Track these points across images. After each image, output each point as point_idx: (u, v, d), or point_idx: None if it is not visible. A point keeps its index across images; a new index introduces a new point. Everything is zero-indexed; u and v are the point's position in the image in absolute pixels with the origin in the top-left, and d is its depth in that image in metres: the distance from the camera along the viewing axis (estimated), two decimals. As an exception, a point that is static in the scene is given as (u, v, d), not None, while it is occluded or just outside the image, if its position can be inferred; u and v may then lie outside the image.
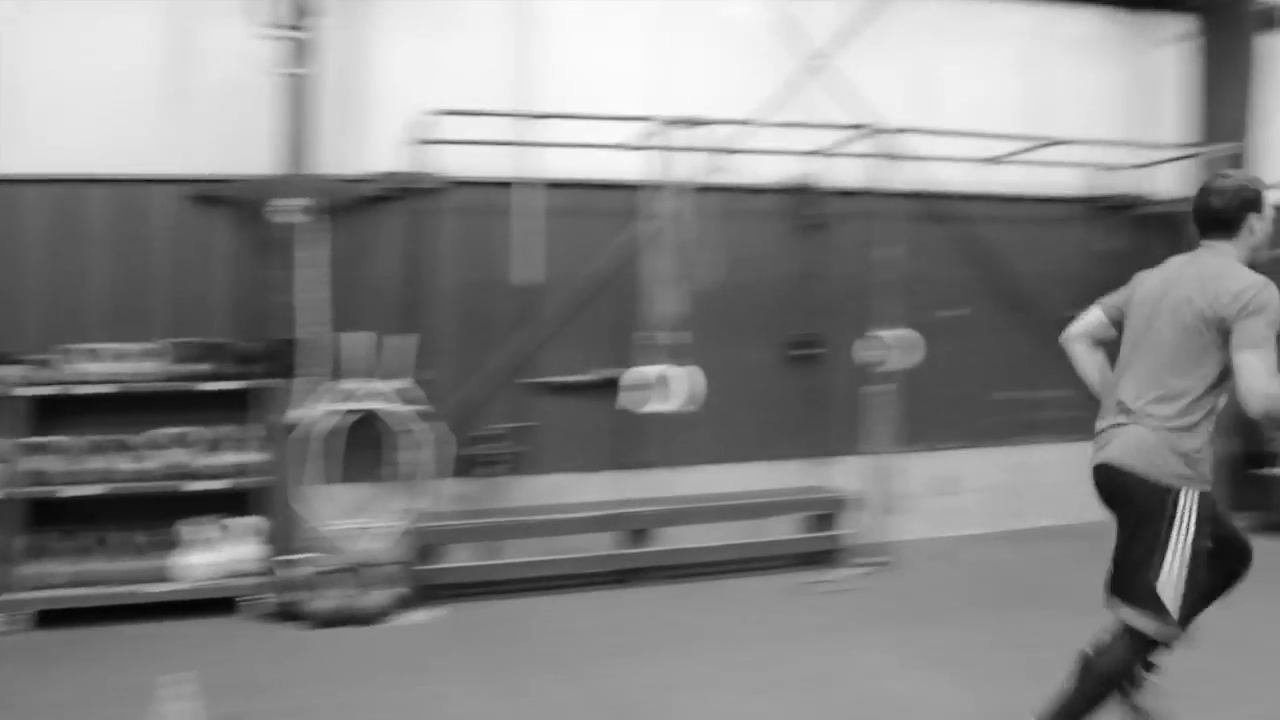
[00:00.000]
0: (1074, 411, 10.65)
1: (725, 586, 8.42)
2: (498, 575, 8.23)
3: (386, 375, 8.34)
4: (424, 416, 8.30)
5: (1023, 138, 10.13)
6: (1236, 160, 10.57)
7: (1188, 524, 4.39)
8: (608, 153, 8.87)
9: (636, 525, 8.56)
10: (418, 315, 8.67)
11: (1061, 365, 10.66)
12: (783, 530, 9.11)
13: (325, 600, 7.40)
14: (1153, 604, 4.38)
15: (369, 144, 8.62)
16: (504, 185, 8.79)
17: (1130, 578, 4.49)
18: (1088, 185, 10.85)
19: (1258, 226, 4.61)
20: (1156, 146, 10.88)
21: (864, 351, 9.10)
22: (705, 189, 8.96)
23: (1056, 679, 6.05)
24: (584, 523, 8.51)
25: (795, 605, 7.88)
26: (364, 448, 8.33)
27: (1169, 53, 11.35)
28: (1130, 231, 11.04)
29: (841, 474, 9.65)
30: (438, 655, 6.80)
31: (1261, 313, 4.24)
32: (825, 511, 9.09)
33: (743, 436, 9.62)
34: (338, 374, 8.27)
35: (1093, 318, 5.13)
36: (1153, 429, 4.52)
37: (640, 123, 8.60)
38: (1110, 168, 10.85)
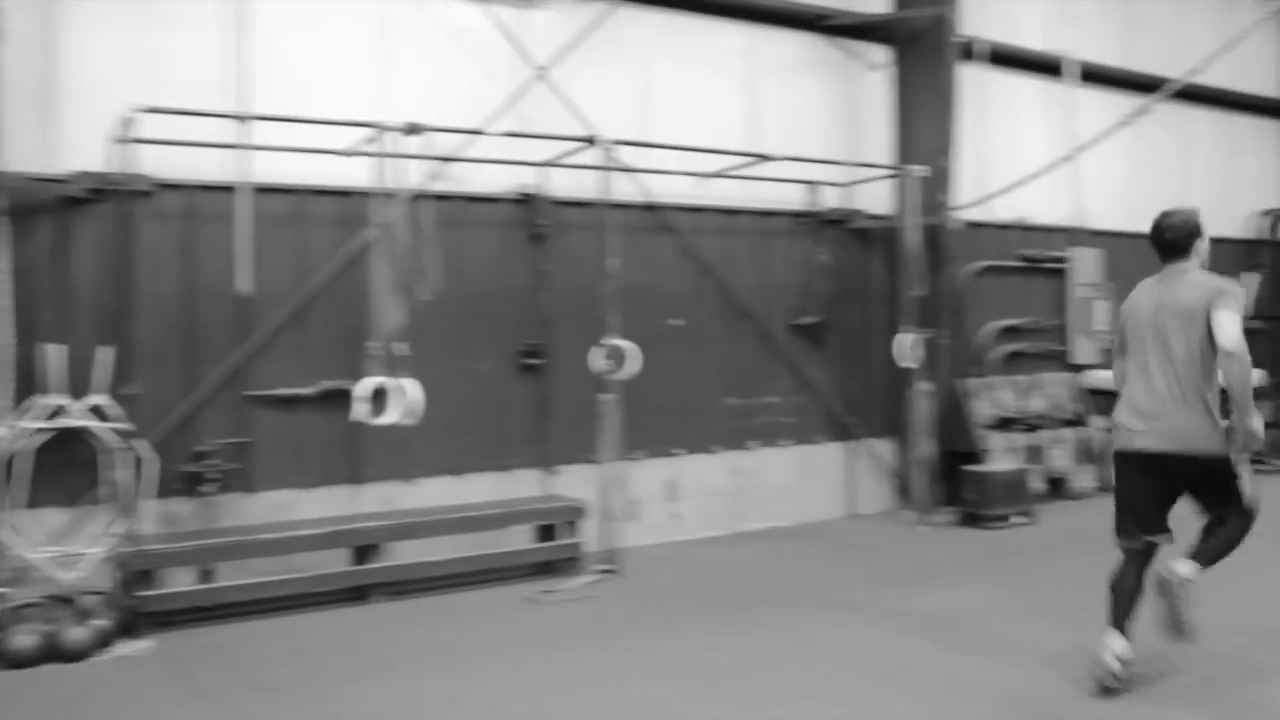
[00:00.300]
0: (789, 418, 11.09)
1: (460, 600, 8.23)
2: (217, 599, 7.73)
3: (87, 390, 7.73)
4: (127, 434, 7.72)
5: (740, 154, 10.46)
6: (933, 182, 11.28)
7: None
8: (330, 158, 8.55)
9: (364, 541, 8.24)
10: (124, 326, 8.05)
11: (779, 373, 11.21)
12: (517, 541, 9.00)
13: (23, 637, 6.77)
14: (1249, 506, 5.86)
15: (67, 141, 7.91)
16: (220, 189, 8.28)
17: (1227, 507, 5.87)
18: (803, 201, 11.29)
19: (1202, 247, 6.05)
20: (866, 166, 11.46)
21: (593, 360, 9.14)
22: (429, 197, 8.78)
23: (794, 675, 6.26)
24: (307, 540, 8.10)
25: (531, 616, 7.78)
26: (65, 469, 7.70)
27: (877, 79, 11.99)
28: (843, 245, 11.57)
29: (573, 482, 9.66)
30: (151, 689, 6.31)
31: (1235, 297, 5.69)
32: (557, 521, 9.05)
33: (474, 447, 9.47)
34: (31, 390, 7.61)
35: (1118, 368, 6.24)
36: (1199, 413, 5.72)
37: (363, 128, 8.33)
38: (825, 184, 11.34)
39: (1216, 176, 15.86)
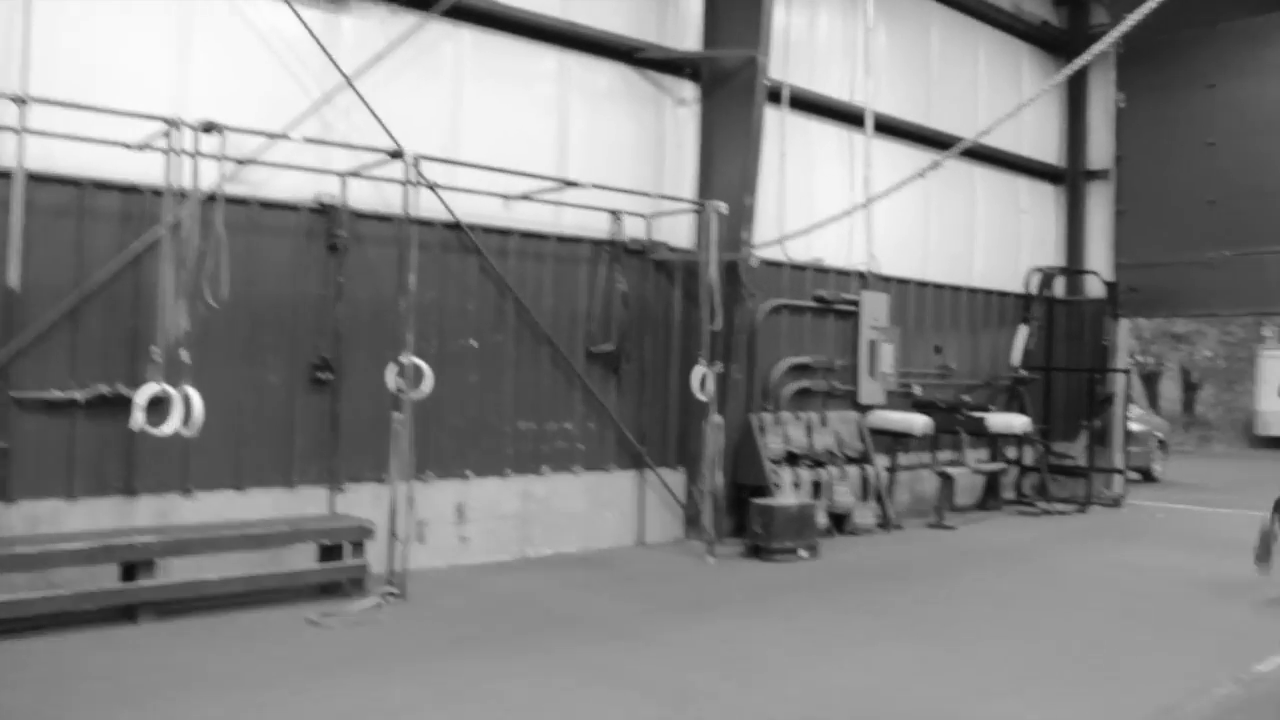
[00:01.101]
0: (582, 444, 11.08)
1: (237, 621, 7.85)
2: (-36, 617, 7.16)
3: None
4: None
5: (547, 178, 10.43)
6: (735, 219, 11.49)
7: None
8: (117, 151, 8.08)
9: (133, 556, 7.75)
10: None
11: (575, 399, 11.19)
12: (300, 560, 8.67)
13: None
14: None
15: None
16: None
17: None
18: (608, 229, 11.32)
19: None
20: (670, 199, 11.60)
21: (387, 377, 8.91)
22: (223, 199, 8.33)
23: (576, 707, 6.18)
24: (69, 554, 7.53)
25: (312, 640, 7.48)
26: None
27: (685, 114, 12.16)
28: (644, 275, 11.66)
29: (360, 501, 9.38)
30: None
31: None
32: (343, 540, 8.75)
33: (258, 460, 9.06)
34: None
35: None
36: None
37: (156, 122, 7.92)
38: (629, 214, 11.40)
39: (998, 233, 16.72)
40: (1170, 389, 39.98)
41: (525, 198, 10.47)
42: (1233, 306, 17.46)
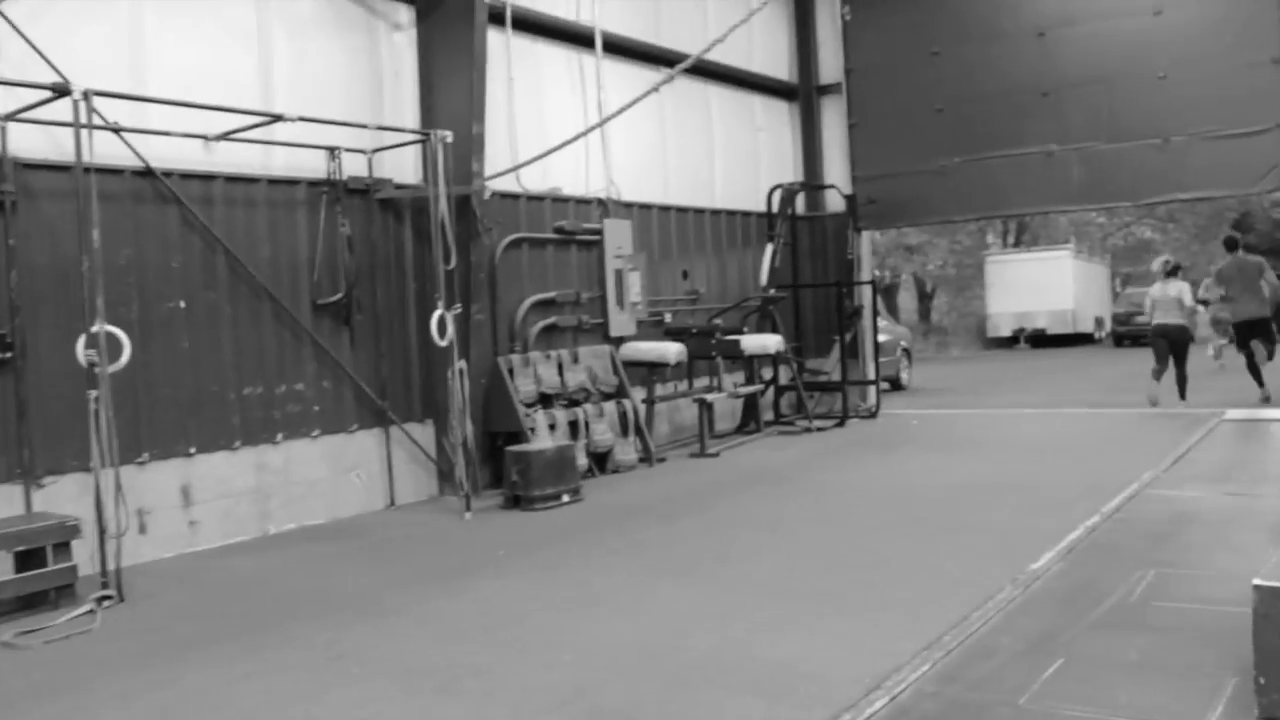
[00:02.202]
0: (319, 405, 10.17)
1: (-92, 652, 6.66)
2: None
3: None
4: None
5: (250, 113, 9.34)
6: (464, 149, 10.70)
7: None
8: None
9: None
10: None
11: (305, 357, 10.21)
12: (-10, 571, 7.47)
13: None
14: None
15: None
16: None
17: None
18: (326, 168, 10.33)
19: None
20: (391, 130, 10.67)
21: (78, 350, 7.70)
22: None
23: (335, 703, 5.38)
24: None
25: (7, 667, 6.39)
26: None
27: (402, 39, 11.22)
28: (370, 217, 10.74)
29: (65, 495, 8.22)
30: None
31: None
32: (44, 543, 7.55)
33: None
34: None
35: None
36: None
37: None
38: (348, 151, 10.43)
39: (737, 153, 16.49)
40: (907, 299, 41.58)
41: (227, 137, 9.37)
42: (966, 212, 17.83)
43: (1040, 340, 36.56)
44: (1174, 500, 9.35)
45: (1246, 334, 15.46)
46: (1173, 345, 15.63)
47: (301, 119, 9.47)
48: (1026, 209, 19.85)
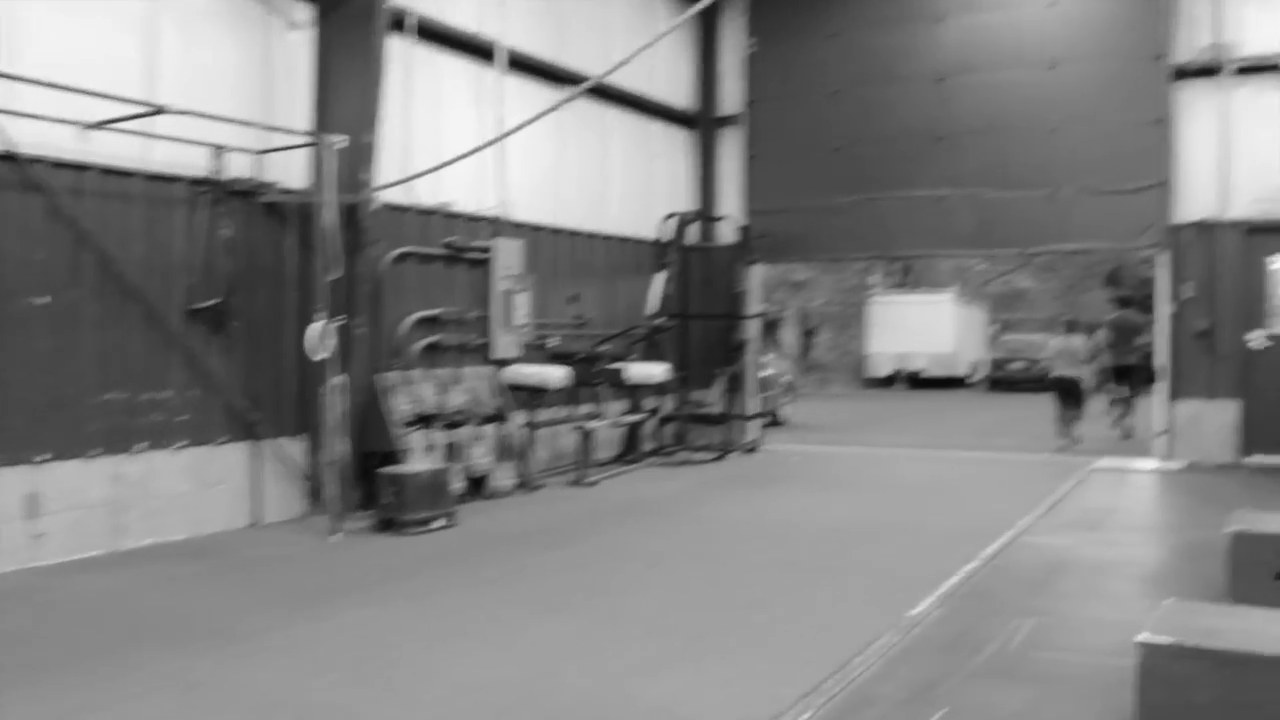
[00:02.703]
0: (184, 415, 9.70)
1: None
2: None
3: None
4: None
5: (131, 101, 8.89)
6: (355, 157, 10.38)
7: None
8: None
9: None
10: None
11: (174, 364, 9.73)
12: None
13: None
14: None
15: None
16: None
17: None
18: (209, 167, 9.88)
19: None
20: (279, 131, 10.28)
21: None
22: None
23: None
24: None
25: None
26: None
27: (298, 39, 10.83)
28: (253, 220, 10.31)
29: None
30: None
31: None
32: None
33: None
34: None
35: None
36: None
37: None
38: (234, 150, 9.99)
39: (633, 179, 16.36)
40: (790, 335, 41.92)
41: (104, 126, 8.88)
42: (857, 250, 18.04)
43: (917, 381, 37.16)
44: (1048, 548, 9.43)
45: (1120, 377, 18.90)
46: (1068, 394, 17.58)
47: (185, 113, 9.04)
48: (916, 251, 20.15)
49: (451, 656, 6.37)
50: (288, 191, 10.55)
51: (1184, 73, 14.62)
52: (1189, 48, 14.61)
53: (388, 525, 10.02)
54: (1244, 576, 6.77)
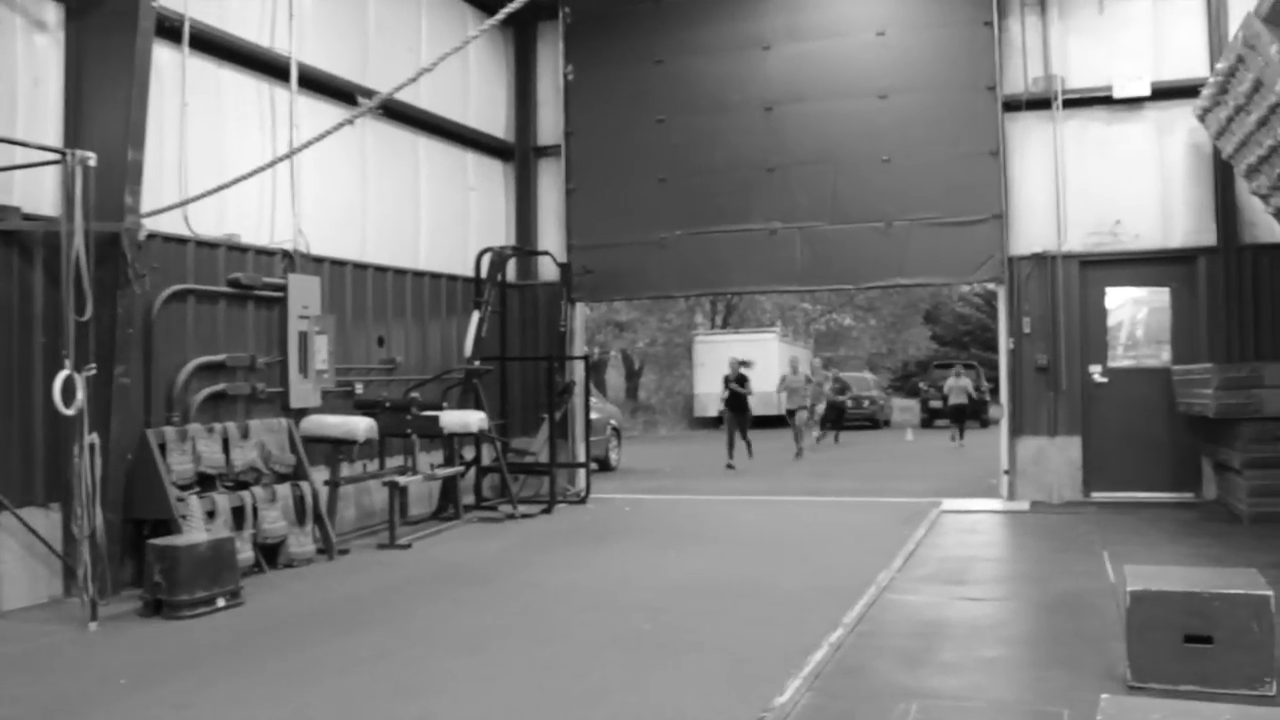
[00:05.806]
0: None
1: None
2: None
3: None
4: None
5: None
6: (117, 179, 8.97)
7: None
8: None
9: None
10: None
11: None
12: None
13: None
14: None
15: None
16: None
17: None
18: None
19: None
20: (25, 146, 8.75)
21: None
22: None
23: None
24: None
25: None
26: None
27: (48, 41, 9.34)
28: (-13, 251, 8.75)
29: None
30: None
31: None
32: None
33: None
34: None
35: None
36: None
37: None
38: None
39: (446, 212, 15.20)
40: (615, 376, 41.08)
41: None
42: (687, 288, 17.12)
43: (744, 421, 36.62)
44: (915, 607, 8.57)
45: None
46: (956, 416, 27.97)
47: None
48: (749, 287, 19.45)
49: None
50: (33, 218, 8.99)
51: (1015, 104, 14.27)
52: (1020, 79, 14.28)
53: (158, 608, 8.54)
54: (1147, 642, 5.97)
